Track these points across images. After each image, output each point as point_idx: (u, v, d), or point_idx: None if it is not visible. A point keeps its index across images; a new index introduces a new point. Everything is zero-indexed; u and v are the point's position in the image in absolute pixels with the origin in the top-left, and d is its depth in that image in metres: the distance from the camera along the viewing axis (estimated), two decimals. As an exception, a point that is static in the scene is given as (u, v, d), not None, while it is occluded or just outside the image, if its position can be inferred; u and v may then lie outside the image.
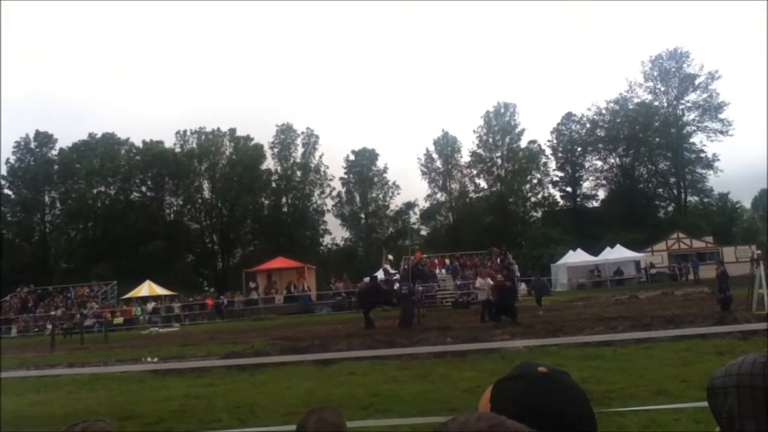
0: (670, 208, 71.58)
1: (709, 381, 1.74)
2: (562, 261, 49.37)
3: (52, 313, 42.32)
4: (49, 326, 33.98)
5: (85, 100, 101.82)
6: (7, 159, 70.71)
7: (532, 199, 74.90)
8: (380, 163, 75.83)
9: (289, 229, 71.61)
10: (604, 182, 73.83)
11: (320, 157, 75.09)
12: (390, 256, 38.19)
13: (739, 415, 1.60)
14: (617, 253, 48.20)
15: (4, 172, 70.42)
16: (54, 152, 71.97)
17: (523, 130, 73.64)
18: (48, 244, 69.95)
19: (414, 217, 76.08)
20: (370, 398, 10.00)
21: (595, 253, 48.78)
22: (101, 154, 70.24)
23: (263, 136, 75.36)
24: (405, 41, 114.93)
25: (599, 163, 73.48)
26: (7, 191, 70.24)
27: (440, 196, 75.49)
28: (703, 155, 68.04)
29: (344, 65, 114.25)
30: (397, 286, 27.49)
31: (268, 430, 7.84)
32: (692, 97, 69.09)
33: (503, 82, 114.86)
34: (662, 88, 70.70)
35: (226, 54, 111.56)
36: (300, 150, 75.24)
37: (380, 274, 34.35)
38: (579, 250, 49.73)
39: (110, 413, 9.23)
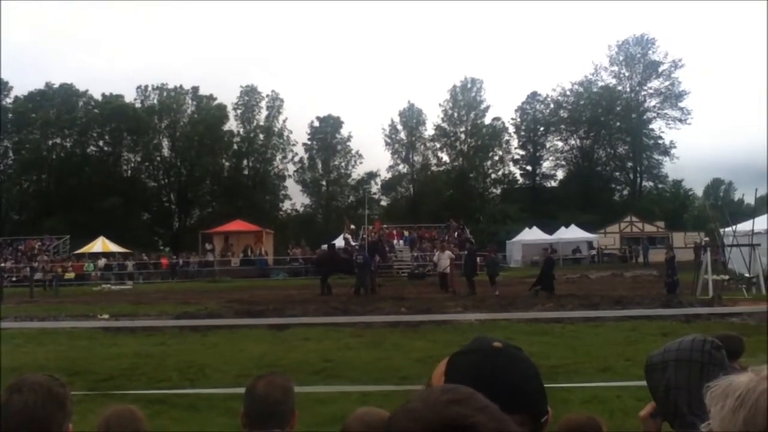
0: (625, 192, 73.09)
1: (648, 359, 1.83)
2: (517, 238, 50.06)
3: (1, 265, 41.32)
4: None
5: (43, 48, 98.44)
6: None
7: (493, 176, 75.46)
8: (344, 131, 75.44)
9: (249, 193, 70.83)
10: (563, 163, 74.92)
11: (284, 121, 74.11)
12: (352, 226, 38.25)
13: (675, 385, 1.70)
14: (571, 232, 49.11)
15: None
16: (8, 100, 69.34)
17: (488, 107, 73.83)
18: (-1, 195, 67.93)
19: (375, 187, 76.06)
20: (322, 364, 10.10)
21: (551, 231, 49.58)
22: (58, 105, 67.94)
23: (227, 96, 73.90)
24: (376, 10, 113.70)
25: (560, 144, 74.48)
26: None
27: (402, 168, 75.53)
28: (660, 142, 69.57)
29: (313, 30, 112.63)
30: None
31: (218, 391, 7.86)
32: (655, 83, 70.30)
33: (471, 57, 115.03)
34: (626, 73, 71.63)
35: (192, 9, 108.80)
36: (264, 113, 74.16)
37: (339, 242, 34.49)
38: (535, 228, 50.45)
39: (59, 368, 9.12)
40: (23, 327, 13.90)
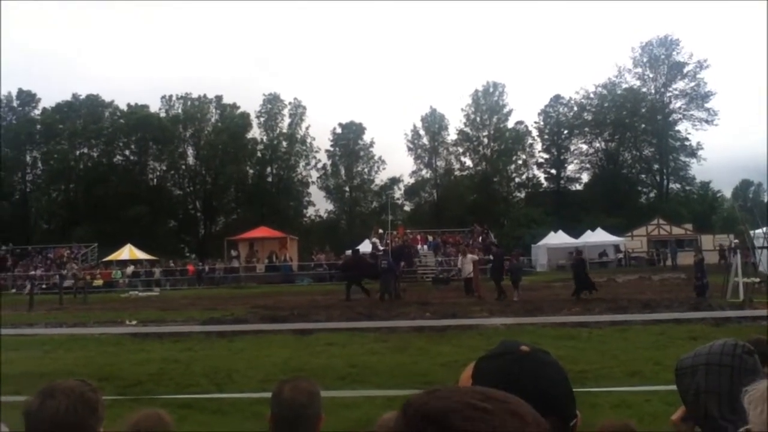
0: (651, 195, 72.26)
1: (678, 363, 1.81)
2: (542, 242, 49.70)
3: (32, 272, 42.04)
4: (28, 285, 33.77)
5: (70, 61, 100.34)
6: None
7: (516, 180, 75.18)
8: (367, 137, 75.60)
9: (273, 199, 71.29)
10: (588, 166, 74.33)
11: (307, 128, 74.60)
12: (380, 230, 38.31)
13: (705, 389, 1.67)
14: (597, 236, 48.61)
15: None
16: (37, 111, 70.69)
17: (510, 111, 73.60)
18: (29, 204, 69.13)
19: (398, 193, 76.16)
20: (347, 369, 10.10)
21: (576, 235, 49.15)
22: (85, 116, 69.12)
23: (250, 105, 74.70)
24: (396, 16, 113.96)
25: (584, 147, 73.91)
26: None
27: (425, 173, 75.51)
28: (687, 143, 68.72)
29: (334, 37, 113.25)
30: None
31: (245, 396, 7.91)
32: (680, 85, 69.46)
33: (493, 62, 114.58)
34: (651, 75, 70.88)
35: (213, 20, 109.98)
36: (287, 120, 74.63)
37: (363, 248, 34.53)
38: (560, 232, 50.07)
39: (88, 374, 9.24)
40: (52, 333, 14.11)
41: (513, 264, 25.66)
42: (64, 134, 68.24)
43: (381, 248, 32.28)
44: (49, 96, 71.71)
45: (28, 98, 70.60)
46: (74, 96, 70.57)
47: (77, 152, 70.03)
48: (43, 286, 38.81)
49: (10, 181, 68.79)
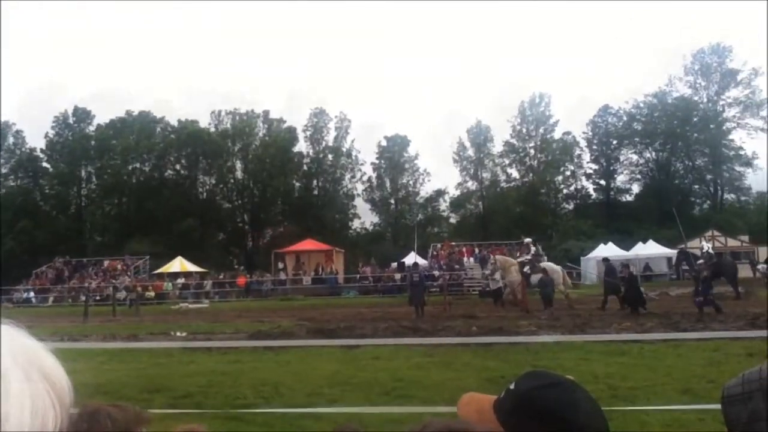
0: (705, 206, 70.32)
1: (724, 390, 1.73)
2: (592, 254, 48.76)
3: (86, 284, 43.20)
4: (83, 297, 34.75)
5: (123, 79, 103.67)
6: (46, 133, 72.15)
7: (564, 191, 74.03)
8: (412, 150, 75.68)
9: (319, 212, 71.90)
10: (638, 176, 72.75)
11: (352, 141, 75.29)
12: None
13: (761, 417, 1.61)
14: (649, 248, 47.49)
15: (43, 146, 72.05)
16: (91, 128, 73.10)
17: (557, 121, 72.83)
18: (83, 218, 71.32)
19: (444, 205, 75.92)
20: (393, 383, 10.07)
21: (627, 247, 48.12)
22: (137, 132, 71.15)
23: (296, 119, 75.87)
24: (440, 29, 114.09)
25: (635, 157, 72.42)
26: (45, 164, 71.88)
27: (471, 185, 75.09)
28: (742, 153, 66.75)
29: (380, 51, 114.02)
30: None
31: (291, 411, 7.96)
32: (733, 93, 67.71)
33: (538, 73, 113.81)
34: (703, 83, 69.24)
35: (260, 38, 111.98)
36: (332, 134, 75.36)
37: (408, 260, 34.50)
38: (610, 244, 49.08)
39: (140, 385, 9.46)
40: (105, 345, 14.46)
41: (543, 279, 24.07)
42: (117, 150, 70.27)
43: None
44: (103, 113, 74.28)
45: (83, 115, 73.09)
46: (127, 113, 72.83)
47: (129, 167, 71.98)
48: (97, 297, 39.83)
49: (66, 195, 71.24)
